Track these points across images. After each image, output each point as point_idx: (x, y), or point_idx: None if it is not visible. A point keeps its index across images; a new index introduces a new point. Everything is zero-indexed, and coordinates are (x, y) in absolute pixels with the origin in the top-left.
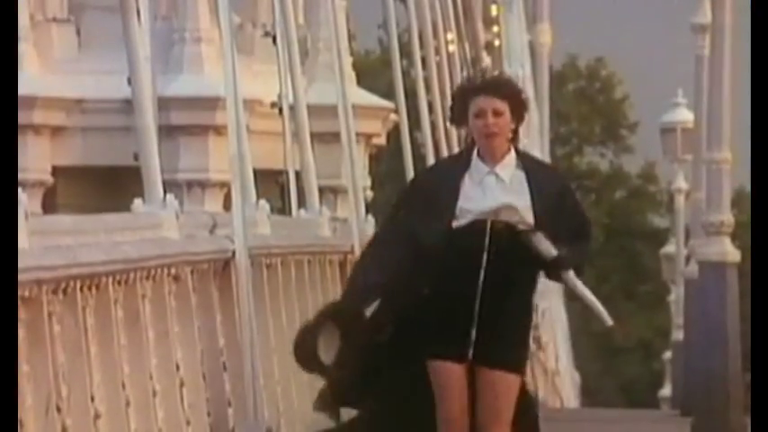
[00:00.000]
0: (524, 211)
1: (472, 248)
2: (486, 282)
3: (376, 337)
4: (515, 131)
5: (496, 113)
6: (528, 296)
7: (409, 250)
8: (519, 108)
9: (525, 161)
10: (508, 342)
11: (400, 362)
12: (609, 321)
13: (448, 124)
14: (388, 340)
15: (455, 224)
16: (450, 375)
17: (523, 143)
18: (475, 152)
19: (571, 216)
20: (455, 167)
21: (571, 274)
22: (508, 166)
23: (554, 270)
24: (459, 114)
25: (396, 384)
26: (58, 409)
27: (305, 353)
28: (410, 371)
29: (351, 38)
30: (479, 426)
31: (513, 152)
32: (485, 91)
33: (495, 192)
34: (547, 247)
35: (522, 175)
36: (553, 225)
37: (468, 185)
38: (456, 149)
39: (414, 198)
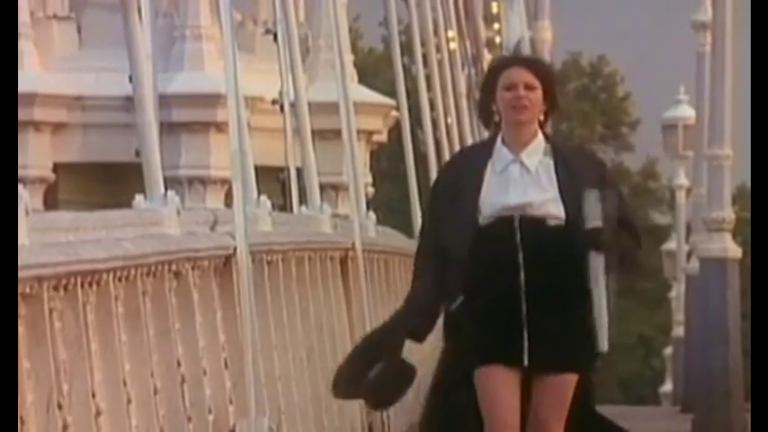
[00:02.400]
0: (553, 203)
1: (504, 248)
2: (529, 282)
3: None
4: (546, 117)
5: (528, 87)
6: (578, 286)
7: (444, 261)
8: (552, 90)
9: (555, 147)
10: (565, 342)
11: (452, 383)
12: (603, 347)
13: (449, 121)
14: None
15: (481, 221)
16: (504, 380)
17: None
18: (499, 138)
19: (613, 206)
20: (477, 156)
21: (598, 264)
22: (534, 153)
23: (589, 244)
24: (487, 97)
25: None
26: (59, 406)
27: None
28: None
29: (357, 37)
30: (536, 422)
31: (540, 137)
32: (518, 63)
33: (519, 184)
34: (593, 214)
35: (549, 163)
36: (588, 217)
37: (490, 176)
38: (457, 147)
39: (438, 198)
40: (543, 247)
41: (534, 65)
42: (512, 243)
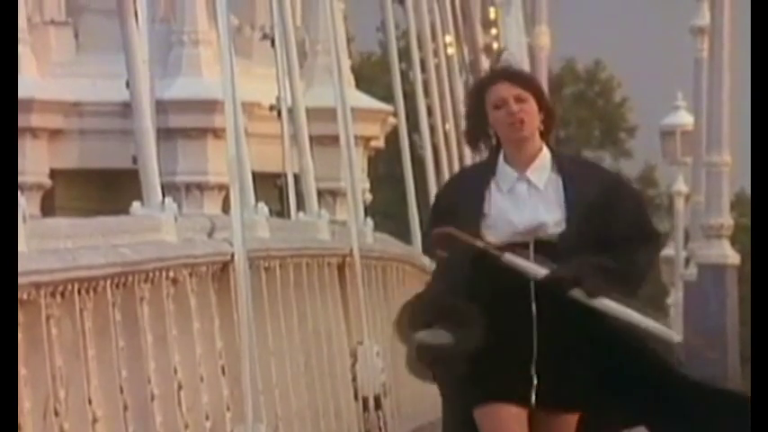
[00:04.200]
0: (560, 225)
1: (516, 276)
2: (542, 313)
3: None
4: (547, 128)
5: (519, 100)
6: (594, 317)
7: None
8: (544, 98)
9: (563, 163)
10: (578, 381)
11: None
12: (676, 338)
13: (447, 127)
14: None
15: (483, 244)
16: (510, 418)
17: None
18: (501, 156)
19: (623, 221)
20: (478, 176)
21: (579, 294)
22: (541, 170)
23: (558, 291)
24: (476, 118)
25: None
26: (56, 413)
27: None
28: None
29: (349, 40)
30: None
31: (546, 151)
32: (501, 77)
33: (528, 204)
34: (527, 270)
35: (558, 180)
36: (595, 237)
37: (495, 195)
38: (455, 152)
39: (438, 220)
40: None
41: (519, 76)
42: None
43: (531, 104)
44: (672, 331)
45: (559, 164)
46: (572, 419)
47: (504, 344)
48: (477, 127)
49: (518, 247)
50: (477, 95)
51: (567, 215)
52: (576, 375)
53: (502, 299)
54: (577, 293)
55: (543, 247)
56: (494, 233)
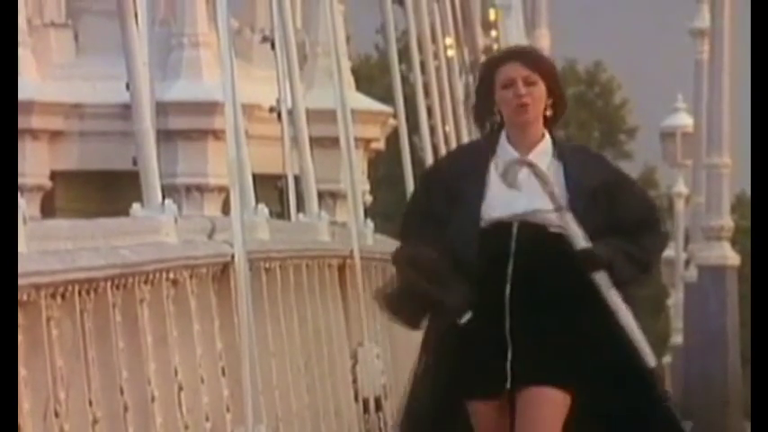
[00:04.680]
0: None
1: (497, 257)
2: (513, 298)
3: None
4: (554, 114)
5: (528, 82)
6: (573, 300)
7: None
8: (556, 83)
9: (564, 149)
10: (550, 357)
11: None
12: (652, 362)
13: (447, 128)
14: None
15: (482, 225)
16: (488, 418)
17: None
18: (503, 136)
19: (630, 208)
20: (479, 155)
21: (604, 280)
22: (543, 155)
23: (583, 265)
24: (483, 95)
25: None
26: (56, 414)
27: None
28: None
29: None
30: None
31: (548, 138)
32: (514, 57)
33: (525, 188)
34: (576, 235)
35: (559, 166)
36: (601, 224)
37: (494, 177)
38: None
39: (434, 193)
40: (539, 257)
41: (531, 57)
42: (504, 252)
43: (540, 88)
44: (652, 355)
45: (561, 150)
46: (551, 395)
47: (482, 330)
48: (484, 104)
49: (504, 226)
50: (488, 72)
51: (568, 201)
52: (550, 355)
53: (483, 283)
54: (601, 278)
55: (526, 230)
56: (490, 212)
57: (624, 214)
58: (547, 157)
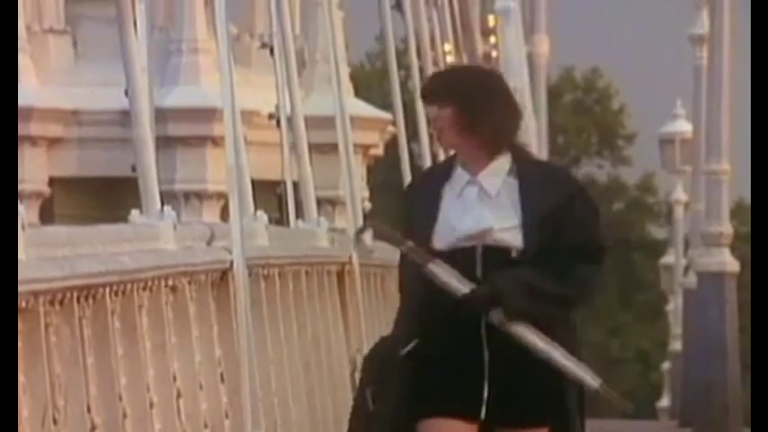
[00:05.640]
0: (512, 232)
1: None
2: (493, 330)
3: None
4: (481, 128)
5: (436, 106)
6: (555, 335)
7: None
8: (465, 99)
9: (524, 166)
10: (531, 393)
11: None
12: (594, 383)
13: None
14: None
15: (438, 250)
16: None
17: None
18: (457, 159)
19: (572, 234)
20: (435, 179)
21: (522, 329)
22: (496, 174)
23: (469, 307)
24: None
25: None
26: (55, 421)
27: None
28: None
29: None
30: None
31: (505, 155)
32: (422, 95)
33: (475, 209)
34: (449, 286)
35: (514, 184)
36: (548, 249)
37: (446, 200)
38: None
39: (404, 220)
40: None
41: (430, 87)
42: (472, 277)
43: (445, 112)
44: (592, 377)
45: (520, 167)
46: None
47: (455, 356)
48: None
49: (465, 252)
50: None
51: (522, 221)
52: (527, 388)
53: (452, 309)
54: (495, 316)
55: (492, 253)
56: (439, 239)
57: (566, 240)
58: (500, 176)
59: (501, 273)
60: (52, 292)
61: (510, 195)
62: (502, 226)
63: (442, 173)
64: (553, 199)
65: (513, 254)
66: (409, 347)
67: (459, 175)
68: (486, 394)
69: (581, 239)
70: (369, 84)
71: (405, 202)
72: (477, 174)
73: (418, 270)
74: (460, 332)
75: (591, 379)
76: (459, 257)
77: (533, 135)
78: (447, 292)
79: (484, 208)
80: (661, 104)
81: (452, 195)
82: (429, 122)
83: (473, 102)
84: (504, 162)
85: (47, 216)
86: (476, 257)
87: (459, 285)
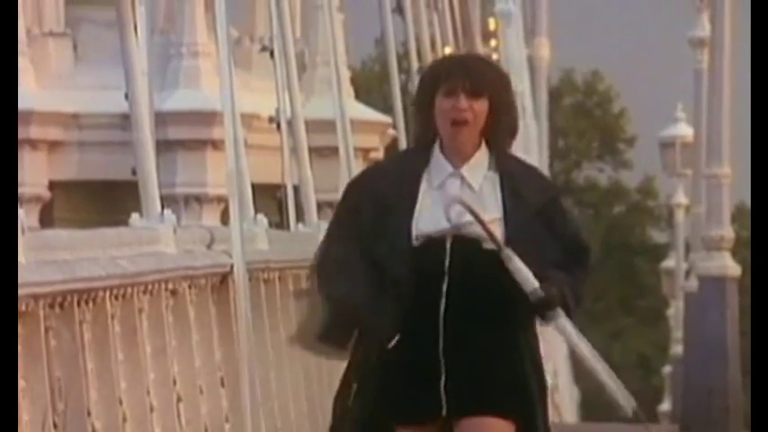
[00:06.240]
0: (492, 225)
1: (430, 275)
2: (448, 317)
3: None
4: (491, 128)
5: (473, 95)
6: (510, 320)
7: (376, 279)
8: (500, 100)
9: (502, 162)
10: (492, 384)
11: None
12: (629, 406)
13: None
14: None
15: (415, 243)
16: None
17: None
18: (437, 146)
19: (561, 238)
20: (412, 166)
21: (563, 321)
22: (478, 167)
23: (537, 308)
24: (423, 104)
25: None
26: (55, 425)
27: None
28: None
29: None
30: None
31: (484, 147)
32: (460, 65)
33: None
34: (525, 277)
35: (495, 179)
36: (534, 247)
37: (425, 190)
38: None
39: (363, 205)
40: (473, 274)
41: (479, 67)
42: (438, 270)
43: (483, 105)
44: (626, 398)
45: (500, 161)
46: (493, 425)
47: (412, 351)
48: (422, 113)
49: (437, 242)
50: (432, 80)
51: (503, 215)
52: (488, 381)
53: (417, 302)
54: (556, 318)
55: (461, 245)
56: (416, 227)
57: (562, 242)
58: (482, 169)
59: (550, 273)
60: (52, 295)
61: (492, 190)
62: (483, 220)
63: (419, 160)
64: (535, 198)
65: (486, 246)
66: (393, 343)
67: (441, 165)
68: (443, 389)
69: (576, 243)
70: (369, 87)
71: (375, 183)
72: (459, 166)
73: (415, 251)
74: (420, 325)
75: (625, 400)
76: (431, 248)
77: (534, 138)
78: (518, 280)
79: (468, 198)
80: (662, 108)
81: (431, 186)
82: (451, 91)
83: (501, 99)
84: (483, 157)
85: (47, 219)
86: (445, 248)
87: (532, 278)
